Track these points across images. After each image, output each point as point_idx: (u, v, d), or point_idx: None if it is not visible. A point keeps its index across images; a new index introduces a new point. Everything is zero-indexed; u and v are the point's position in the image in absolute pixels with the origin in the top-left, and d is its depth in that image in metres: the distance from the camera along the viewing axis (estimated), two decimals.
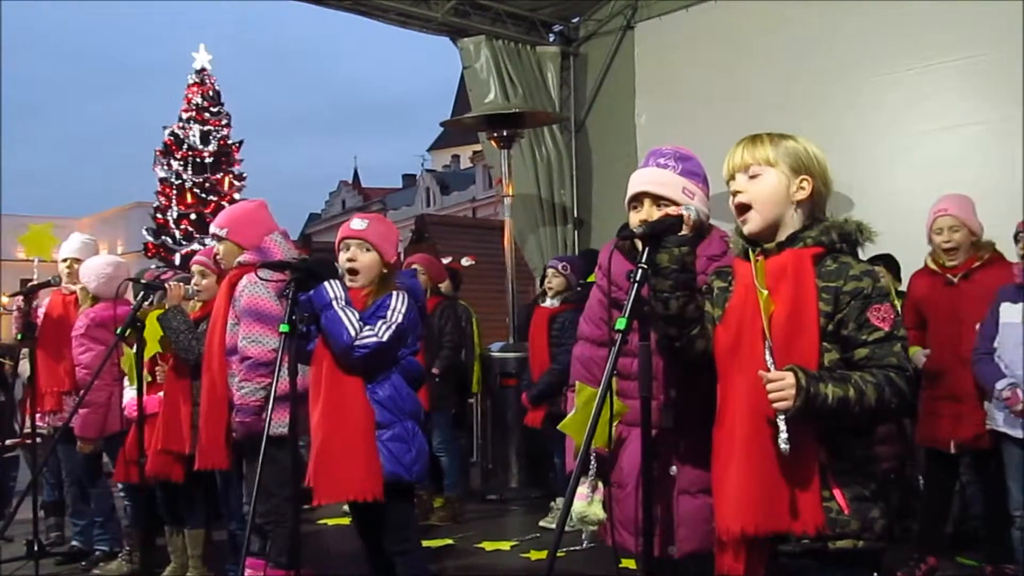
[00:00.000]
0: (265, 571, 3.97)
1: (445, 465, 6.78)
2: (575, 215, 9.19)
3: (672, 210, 2.54)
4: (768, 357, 2.20)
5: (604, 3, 8.99)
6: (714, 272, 2.55)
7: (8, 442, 6.83)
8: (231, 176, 27.90)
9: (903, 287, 5.11)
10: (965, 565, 4.84)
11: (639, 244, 2.41)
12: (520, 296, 8.36)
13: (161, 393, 4.77)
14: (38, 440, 5.53)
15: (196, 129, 27.64)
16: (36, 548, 5.22)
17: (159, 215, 27.58)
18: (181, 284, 4.72)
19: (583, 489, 2.69)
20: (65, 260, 5.68)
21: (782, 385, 2.11)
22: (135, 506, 5.28)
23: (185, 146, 27.51)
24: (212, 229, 4.40)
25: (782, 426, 2.12)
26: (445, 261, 8.18)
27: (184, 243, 26.65)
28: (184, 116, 27.91)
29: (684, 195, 2.66)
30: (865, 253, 2.38)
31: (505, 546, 5.87)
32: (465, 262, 9.51)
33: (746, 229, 2.36)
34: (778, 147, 2.35)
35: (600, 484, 2.72)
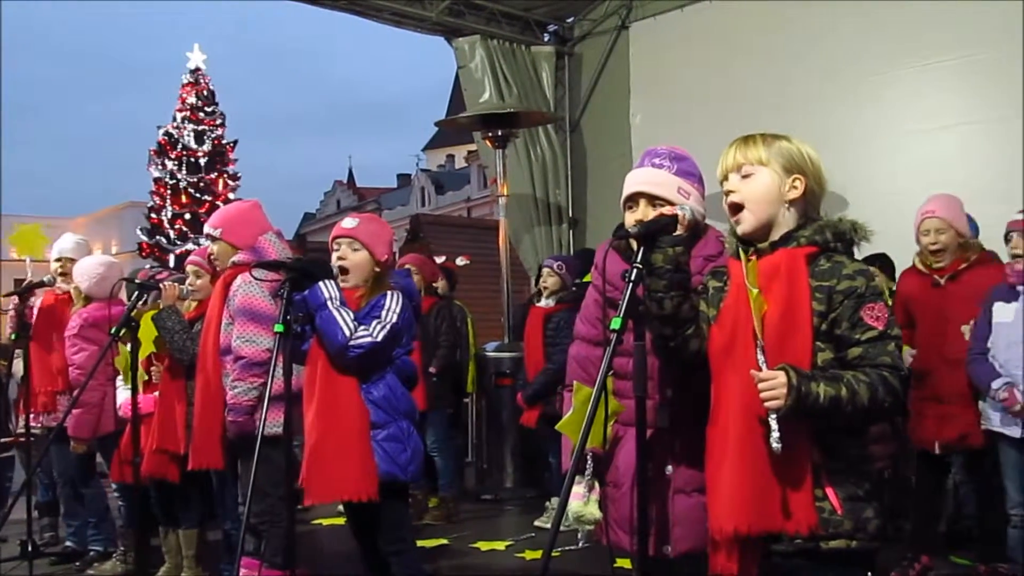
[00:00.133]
0: (260, 571, 3.96)
1: (440, 465, 6.78)
2: (570, 215, 9.20)
3: (667, 210, 2.55)
4: (760, 356, 2.20)
5: (599, 3, 9.00)
6: (710, 272, 2.56)
7: (2, 441, 6.81)
8: (225, 176, 27.86)
9: None
10: (959, 564, 4.85)
11: (634, 244, 2.41)
12: (515, 296, 8.35)
13: (156, 393, 4.76)
14: (32, 440, 5.51)
15: (190, 129, 27.59)
16: (30, 548, 5.21)
17: (153, 215, 27.52)
18: (176, 284, 4.71)
19: (579, 489, 2.70)
20: (58, 260, 5.67)
21: (774, 384, 2.11)
22: (129, 506, 5.28)
23: (179, 146, 27.46)
24: (206, 229, 4.40)
25: (774, 425, 2.12)
26: (439, 261, 8.17)
27: (178, 243, 26.59)
28: (178, 116, 27.86)
29: (679, 195, 2.66)
30: (861, 252, 2.39)
31: (500, 546, 5.87)
32: (460, 262, 9.51)
33: (739, 229, 2.37)
34: (771, 147, 2.36)
35: (596, 484, 2.72)
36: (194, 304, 4.73)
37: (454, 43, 8.80)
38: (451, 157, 51.68)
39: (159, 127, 27.99)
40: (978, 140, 6.49)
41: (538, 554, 5.46)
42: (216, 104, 28.49)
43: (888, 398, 2.16)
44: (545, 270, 6.51)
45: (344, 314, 3.43)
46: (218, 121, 28.28)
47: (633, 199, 2.72)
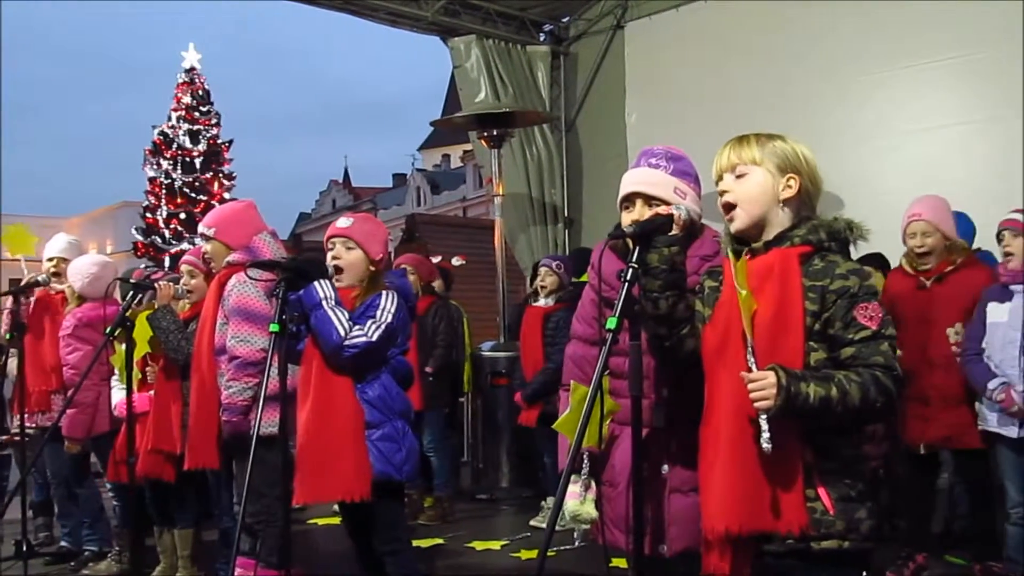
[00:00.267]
0: (255, 571, 3.96)
1: (436, 465, 6.77)
2: (565, 214, 9.20)
3: (663, 210, 2.55)
4: (750, 357, 2.20)
5: (594, 3, 8.99)
6: (706, 272, 2.56)
7: None
8: (221, 176, 27.84)
9: None
10: (954, 564, 4.85)
11: (630, 243, 2.41)
12: (511, 296, 8.36)
13: (152, 392, 4.76)
14: (27, 440, 5.51)
15: (185, 129, 27.56)
16: (25, 548, 5.20)
17: (148, 215, 27.50)
18: (170, 284, 4.70)
19: (576, 488, 2.70)
20: (51, 260, 5.67)
21: (763, 385, 2.11)
22: (124, 506, 5.27)
23: (175, 145, 27.44)
24: (200, 229, 4.40)
25: (764, 426, 2.12)
26: (435, 260, 8.17)
27: (173, 243, 26.57)
28: (174, 116, 27.83)
29: (676, 195, 2.67)
30: (858, 251, 2.39)
31: (495, 545, 5.87)
32: (456, 261, 9.50)
33: (732, 227, 2.37)
34: (764, 147, 2.36)
35: (592, 483, 2.72)
36: (189, 304, 4.72)
37: (450, 43, 8.80)
38: (447, 157, 51.65)
39: (154, 127, 27.99)
40: (974, 140, 6.50)
41: (533, 553, 5.46)
42: (211, 104, 28.48)
43: (881, 398, 2.15)
44: (543, 269, 6.51)
45: (339, 314, 3.43)
46: (213, 121, 28.28)
47: (629, 199, 2.73)
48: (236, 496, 4.27)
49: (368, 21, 8.58)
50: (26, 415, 5.36)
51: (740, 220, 2.35)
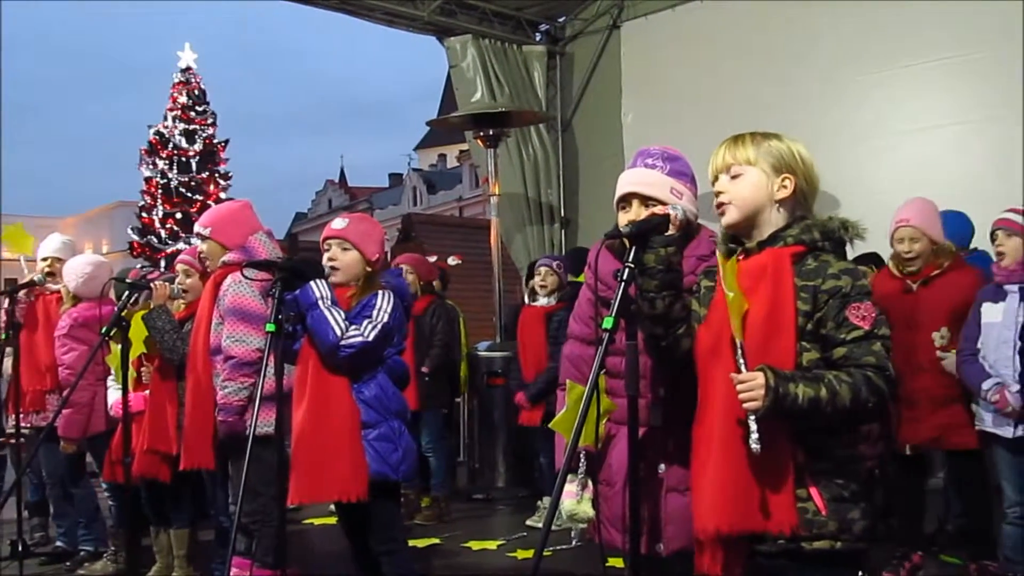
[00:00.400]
0: (251, 571, 3.96)
1: (433, 465, 6.77)
2: (562, 214, 9.20)
3: (659, 210, 2.55)
4: (739, 357, 2.19)
5: (590, 2, 9.00)
6: (703, 271, 2.56)
7: None
8: (216, 175, 27.79)
9: None
10: (949, 563, 4.86)
11: (627, 243, 2.41)
12: (507, 295, 8.35)
13: (147, 392, 4.75)
14: (22, 440, 5.50)
15: (182, 128, 27.52)
16: (20, 548, 5.19)
17: (144, 214, 27.45)
18: (166, 284, 4.70)
19: (572, 487, 2.70)
20: (45, 259, 5.66)
21: (752, 385, 2.11)
22: (120, 506, 5.26)
23: (171, 145, 27.39)
24: (196, 228, 4.39)
25: (753, 426, 2.12)
26: (431, 260, 8.17)
27: (169, 243, 26.53)
28: (169, 115, 27.78)
29: (672, 195, 2.67)
30: (855, 250, 2.38)
31: (492, 545, 5.87)
32: (451, 261, 9.49)
33: (723, 220, 2.37)
34: (760, 146, 2.35)
35: (589, 482, 2.72)
36: (184, 304, 4.71)
37: (446, 43, 8.80)
38: (443, 156, 51.61)
39: (150, 126, 27.93)
40: (970, 140, 6.51)
41: (530, 553, 5.46)
42: (207, 103, 28.43)
43: (872, 398, 2.15)
44: (544, 269, 6.49)
45: (335, 314, 3.43)
46: (209, 120, 28.21)
47: (626, 199, 2.73)
48: (232, 496, 4.27)
49: (364, 21, 8.59)
50: (21, 415, 5.35)
51: (731, 214, 2.35)
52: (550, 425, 2.68)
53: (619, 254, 2.69)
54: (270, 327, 3.26)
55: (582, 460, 2.70)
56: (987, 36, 6.32)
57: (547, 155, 9.10)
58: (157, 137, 27.54)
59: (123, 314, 4.25)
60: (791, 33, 7.41)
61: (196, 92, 28.16)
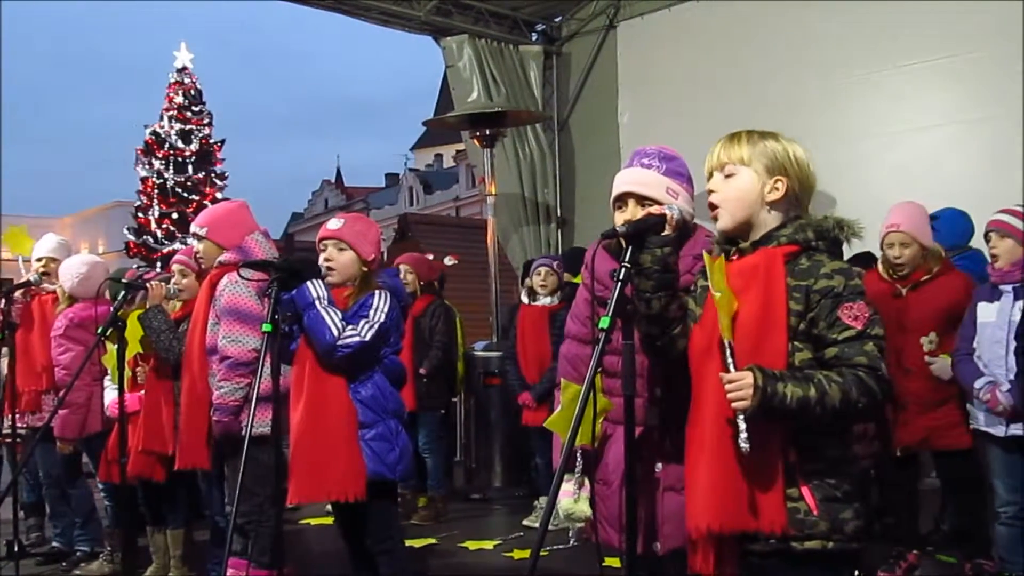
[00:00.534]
0: (247, 571, 3.95)
1: (430, 465, 6.77)
2: (558, 214, 9.21)
3: (655, 209, 2.55)
4: (729, 358, 2.18)
5: (586, 2, 9.01)
6: (700, 271, 2.55)
7: None
8: (213, 175, 27.74)
9: None
10: (944, 562, 4.87)
11: (623, 243, 2.41)
12: (503, 295, 8.35)
13: (142, 392, 4.74)
14: (18, 440, 5.49)
15: (177, 128, 27.47)
16: (17, 549, 5.17)
17: (140, 214, 27.39)
18: (162, 284, 4.69)
19: (569, 486, 2.70)
20: (40, 260, 5.65)
21: (740, 385, 2.11)
22: (116, 506, 5.25)
23: (167, 145, 27.34)
24: (192, 228, 4.39)
25: (741, 425, 2.11)
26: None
27: (165, 243, 26.48)
28: (165, 115, 27.73)
29: (668, 195, 2.67)
30: (852, 249, 2.38)
31: (488, 545, 5.87)
32: (448, 261, 9.49)
33: (717, 226, 2.37)
34: (755, 146, 2.34)
35: (586, 481, 2.72)
36: (180, 304, 4.71)
37: (442, 42, 8.80)
38: (439, 156, 51.62)
39: (146, 126, 27.87)
40: (967, 139, 6.53)
41: (526, 553, 5.46)
42: (203, 103, 28.37)
43: (863, 399, 2.14)
44: (544, 269, 6.48)
45: (332, 314, 3.43)
46: (205, 120, 28.14)
47: (622, 199, 2.73)
48: (227, 496, 4.27)
49: (360, 21, 8.59)
50: (17, 415, 5.35)
51: (723, 220, 2.35)
52: (545, 423, 2.68)
53: (616, 254, 2.69)
54: (266, 327, 3.25)
55: (579, 459, 2.70)
56: (985, 36, 6.33)
57: (543, 155, 9.10)
58: (153, 137, 27.47)
59: (119, 314, 4.25)
60: (787, 33, 7.43)
61: (192, 92, 28.08)
